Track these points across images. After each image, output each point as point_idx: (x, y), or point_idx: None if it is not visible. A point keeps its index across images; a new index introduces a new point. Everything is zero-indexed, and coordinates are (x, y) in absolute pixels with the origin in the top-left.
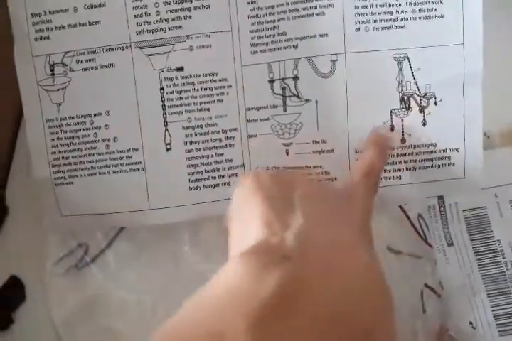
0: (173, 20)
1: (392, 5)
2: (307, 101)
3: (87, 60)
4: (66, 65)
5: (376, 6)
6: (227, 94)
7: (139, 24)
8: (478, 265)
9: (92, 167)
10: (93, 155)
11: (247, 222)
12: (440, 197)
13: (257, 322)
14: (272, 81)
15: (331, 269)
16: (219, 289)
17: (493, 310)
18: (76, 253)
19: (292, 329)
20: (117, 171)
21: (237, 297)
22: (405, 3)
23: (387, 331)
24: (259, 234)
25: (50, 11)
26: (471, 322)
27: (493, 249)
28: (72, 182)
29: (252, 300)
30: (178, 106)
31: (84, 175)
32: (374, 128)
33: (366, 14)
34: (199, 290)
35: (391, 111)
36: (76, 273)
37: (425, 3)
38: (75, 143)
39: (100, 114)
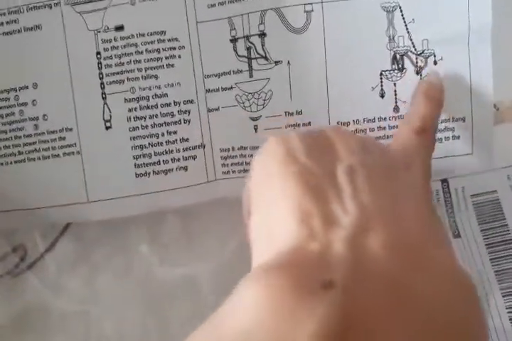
0: None
1: None
2: (277, 63)
3: (8, 22)
4: None
5: None
6: (179, 57)
7: None
8: (491, 259)
9: (19, 152)
10: (20, 137)
11: (273, 206)
12: (444, 181)
13: None
14: (234, 40)
15: (405, 293)
16: (232, 330)
17: (509, 313)
18: (11, 257)
19: None
20: (49, 156)
21: None
22: None
23: None
24: (292, 234)
25: None
26: None
27: (508, 240)
28: None
29: None
30: (118, 73)
31: (10, 162)
32: (428, 73)
33: None
34: (205, 324)
35: (381, 74)
36: (10, 281)
37: None
38: None
39: (26, 87)
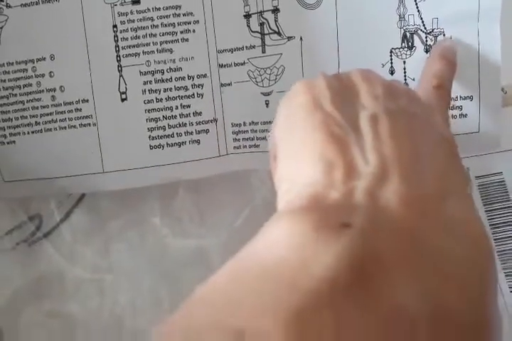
0: None
1: None
2: (289, 38)
3: None
4: (2, 1)
5: None
6: (194, 31)
7: None
8: (494, 239)
9: (36, 122)
10: (37, 108)
11: (298, 154)
12: None
13: (292, 317)
14: (247, 15)
15: (419, 245)
16: (254, 260)
17: None
18: (27, 226)
19: (349, 328)
20: (65, 127)
21: (273, 278)
22: None
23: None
24: (316, 180)
25: None
26: None
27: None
28: (13, 142)
29: (293, 285)
30: (134, 46)
31: (28, 132)
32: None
33: None
34: (241, 251)
35: (391, 51)
36: (26, 249)
37: None
38: (15, 95)
39: (44, 58)
